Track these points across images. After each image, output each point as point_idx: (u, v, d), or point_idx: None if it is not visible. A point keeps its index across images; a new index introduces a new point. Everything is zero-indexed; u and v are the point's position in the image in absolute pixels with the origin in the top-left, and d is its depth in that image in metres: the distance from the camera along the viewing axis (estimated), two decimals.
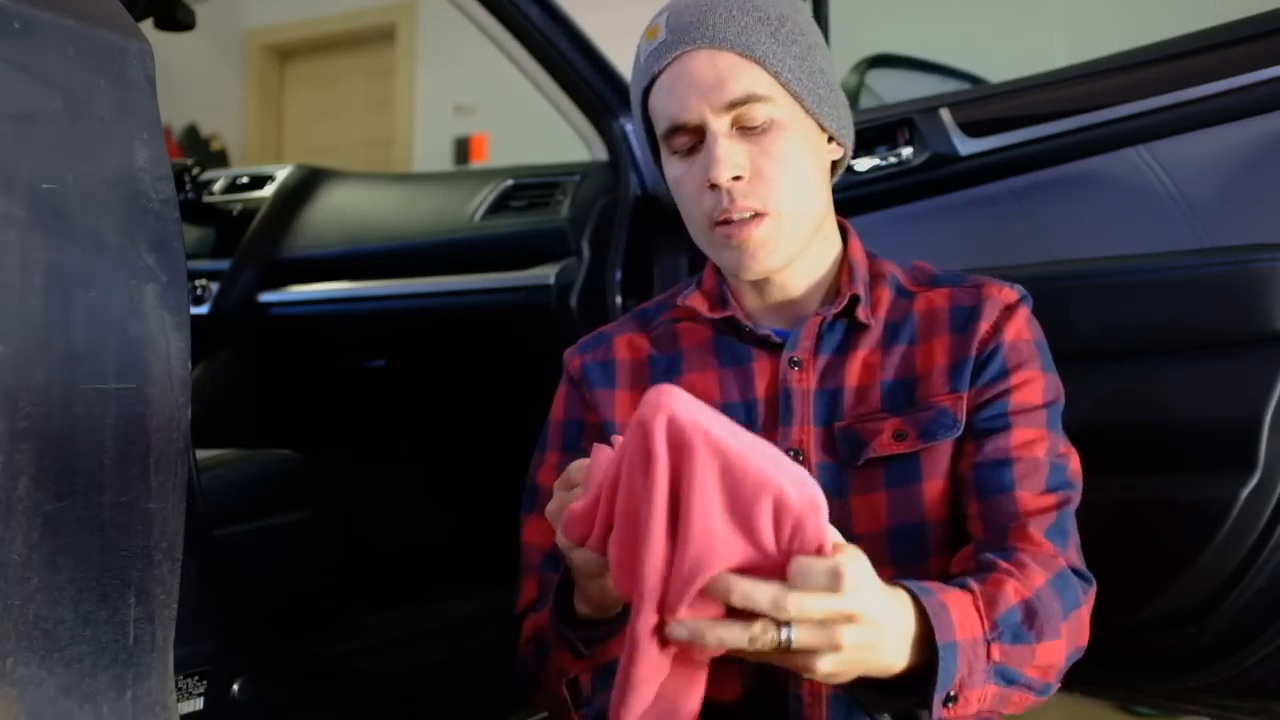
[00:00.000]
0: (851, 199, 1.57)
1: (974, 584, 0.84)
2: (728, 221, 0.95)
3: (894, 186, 1.55)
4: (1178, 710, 1.73)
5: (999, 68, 1.82)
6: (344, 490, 2.05)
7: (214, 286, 2.15)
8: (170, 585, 0.78)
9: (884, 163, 1.55)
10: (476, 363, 2.19)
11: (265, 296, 2.12)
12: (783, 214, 0.95)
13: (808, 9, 1.00)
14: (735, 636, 0.67)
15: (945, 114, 1.49)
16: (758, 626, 0.67)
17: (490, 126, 4.99)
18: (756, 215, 0.94)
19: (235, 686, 1.10)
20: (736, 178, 0.93)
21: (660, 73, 0.96)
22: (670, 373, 1.05)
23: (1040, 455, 0.95)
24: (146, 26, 1.71)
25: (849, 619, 0.68)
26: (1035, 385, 0.98)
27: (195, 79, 5.06)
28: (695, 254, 1.61)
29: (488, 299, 1.89)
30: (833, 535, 0.70)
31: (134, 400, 0.76)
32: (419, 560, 2.12)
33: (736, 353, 1.03)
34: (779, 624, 0.67)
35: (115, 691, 0.74)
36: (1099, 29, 2.81)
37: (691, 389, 1.00)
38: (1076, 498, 0.96)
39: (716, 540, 0.66)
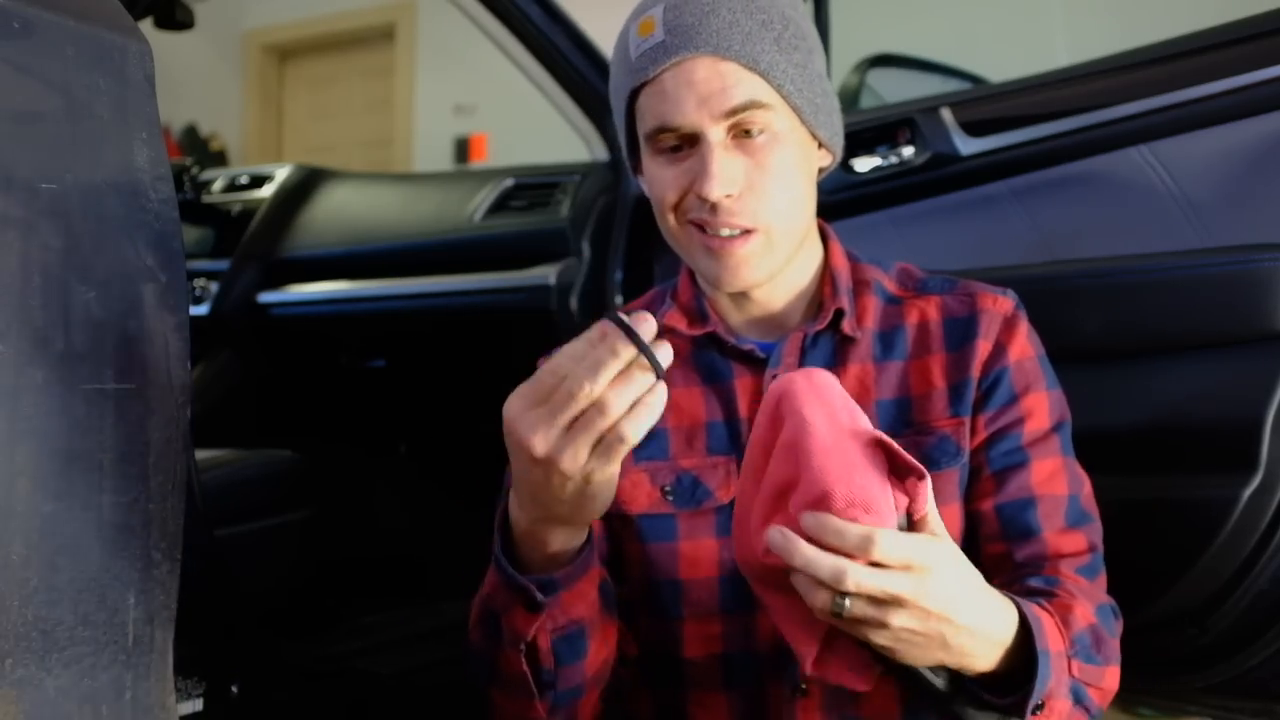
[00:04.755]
0: (852, 199, 1.57)
1: (1047, 604, 0.84)
2: (712, 233, 0.91)
3: (895, 186, 1.54)
4: (1179, 711, 1.73)
5: (999, 68, 1.82)
6: (344, 490, 2.05)
7: (213, 286, 2.15)
8: (170, 586, 0.78)
9: (885, 163, 1.55)
10: (476, 363, 2.19)
11: (265, 296, 2.12)
12: (772, 230, 0.91)
13: (806, 8, 0.98)
14: (803, 582, 0.70)
15: (946, 114, 1.48)
16: (820, 588, 0.69)
17: (490, 126, 4.98)
18: (745, 232, 0.91)
19: (235, 686, 1.10)
20: (728, 194, 0.89)
21: (655, 76, 0.90)
22: None
23: (1061, 491, 0.94)
24: (146, 26, 1.71)
25: (900, 602, 0.69)
26: (1043, 408, 0.96)
27: (195, 79, 5.06)
28: None
29: (488, 299, 1.89)
30: (938, 522, 0.73)
31: (134, 400, 0.76)
32: (419, 560, 2.12)
33: (717, 369, 0.99)
34: (838, 592, 0.68)
35: (114, 692, 0.74)
36: (1100, 29, 2.81)
37: (674, 408, 0.99)
38: (1100, 533, 0.95)
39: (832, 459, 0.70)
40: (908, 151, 1.52)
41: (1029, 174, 1.44)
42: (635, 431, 0.67)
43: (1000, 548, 0.93)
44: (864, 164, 1.57)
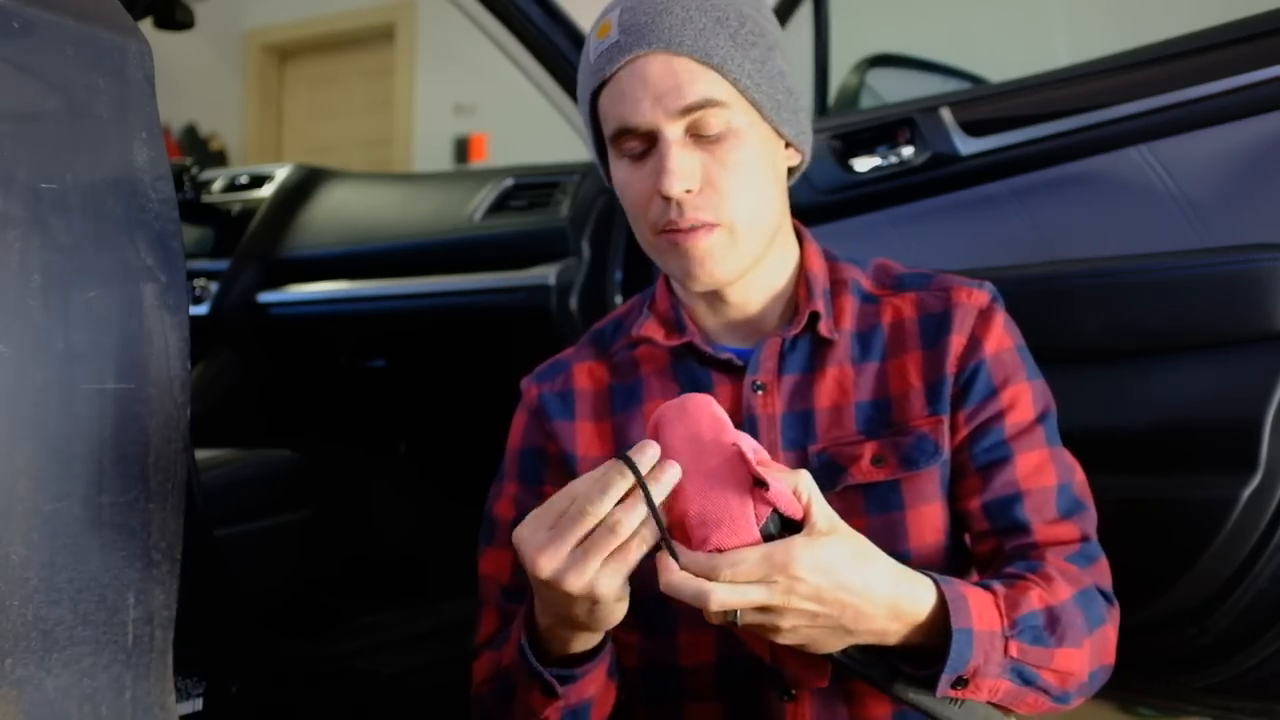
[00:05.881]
0: (852, 199, 1.57)
1: (998, 586, 0.85)
2: (675, 230, 0.91)
3: (895, 186, 1.54)
4: (1179, 711, 1.73)
5: (999, 68, 1.82)
6: (344, 490, 2.05)
7: (213, 286, 2.15)
8: (169, 585, 0.78)
9: (885, 163, 1.55)
10: (476, 363, 2.19)
11: (265, 296, 2.12)
12: (736, 225, 0.90)
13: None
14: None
15: (946, 113, 1.48)
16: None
17: (490, 126, 4.99)
18: (706, 225, 0.90)
19: (235, 686, 1.10)
20: (688, 190, 0.89)
21: (612, 76, 0.90)
22: (631, 402, 1.01)
23: (1050, 482, 0.93)
24: (146, 26, 1.71)
25: (774, 609, 0.72)
26: (1025, 399, 0.95)
27: (195, 79, 5.07)
28: None
29: (488, 299, 1.89)
30: (822, 516, 0.75)
31: (133, 400, 0.76)
32: (419, 560, 2.12)
33: (696, 378, 0.99)
34: None
35: (114, 692, 0.74)
36: (1100, 29, 2.81)
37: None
38: (1094, 521, 0.95)
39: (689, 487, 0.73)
40: (907, 151, 1.52)
41: (1029, 174, 1.44)
42: (640, 552, 0.71)
43: (991, 544, 0.93)
44: (864, 164, 1.57)
